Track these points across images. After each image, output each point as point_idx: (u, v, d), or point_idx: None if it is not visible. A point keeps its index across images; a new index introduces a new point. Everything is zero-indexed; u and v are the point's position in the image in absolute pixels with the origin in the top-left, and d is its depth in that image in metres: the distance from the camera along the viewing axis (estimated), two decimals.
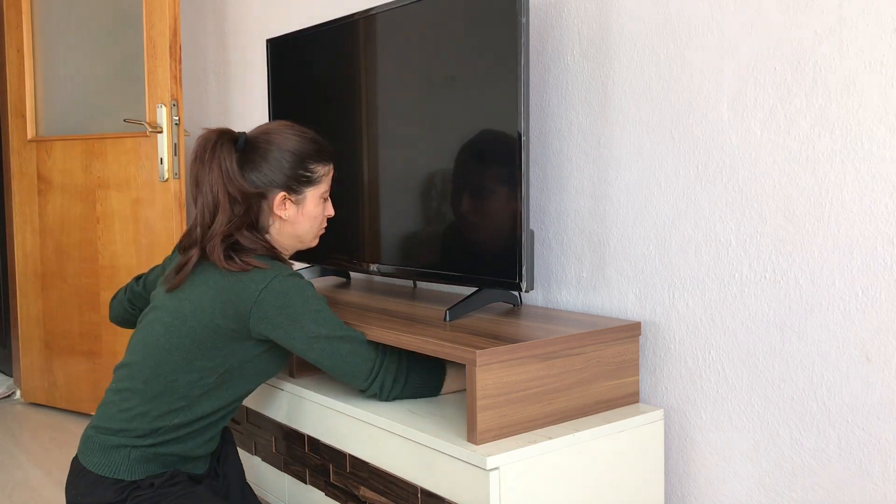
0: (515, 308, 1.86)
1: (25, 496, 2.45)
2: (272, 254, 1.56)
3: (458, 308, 1.71)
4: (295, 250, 1.66)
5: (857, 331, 1.41)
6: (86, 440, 1.52)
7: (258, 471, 2.01)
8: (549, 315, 1.77)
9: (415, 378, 1.64)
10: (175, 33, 2.80)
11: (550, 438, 1.46)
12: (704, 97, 1.60)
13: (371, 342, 1.59)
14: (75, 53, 3.18)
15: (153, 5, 2.82)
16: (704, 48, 1.59)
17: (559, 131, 1.87)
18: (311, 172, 1.59)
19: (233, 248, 1.51)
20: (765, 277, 1.53)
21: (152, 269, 1.78)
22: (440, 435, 1.47)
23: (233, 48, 3.13)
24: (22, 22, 3.27)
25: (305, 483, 1.83)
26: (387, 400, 1.63)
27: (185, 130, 3.25)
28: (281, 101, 2.36)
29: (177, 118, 2.82)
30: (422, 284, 2.24)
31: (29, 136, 3.29)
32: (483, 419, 1.43)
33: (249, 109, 3.05)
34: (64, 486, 2.55)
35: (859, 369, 1.41)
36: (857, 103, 1.38)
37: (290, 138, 1.57)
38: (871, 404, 1.40)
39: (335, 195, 2.17)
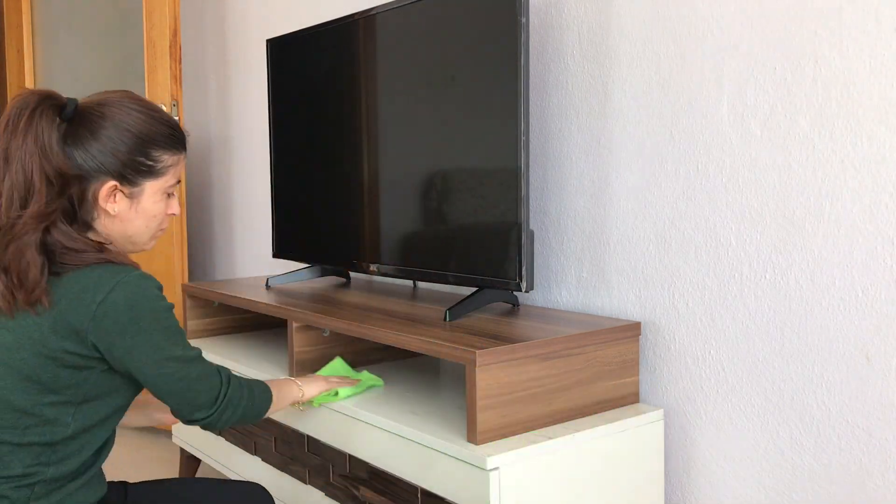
0: (515, 308, 1.86)
1: None
2: (101, 254, 1.23)
3: (458, 308, 1.71)
4: (126, 253, 1.34)
5: (857, 331, 1.41)
6: None
7: (258, 471, 2.01)
8: (549, 315, 1.77)
9: (249, 406, 1.38)
10: (175, 33, 2.80)
11: (550, 438, 1.46)
12: (704, 97, 1.60)
13: (214, 365, 1.33)
14: (75, 53, 3.18)
15: (153, 5, 2.82)
16: (704, 48, 1.59)
17: (559, 131, 1.87)
18: (154, 161, 1.28)
19: (45, 244, 1.20)
20: (765, 277, 1.53)
21: None
22: (440, 435, 1.47)
23: (233, 48, 3.13)
24: (22, 22, 3.27)
25: (305, 483, 1.82)
26: (217, 428, 1.34)
27: (185, 130, 3.26)
28: (281, 101, 2.36)
29: (177, 118, 2.82)
30: (422, 284, 2.24)
31: None
32: (483, 419, 1.43)
33: (249, 109, 3.05)
34: None
35: (859, 369, 1.41)
36: (857, 103, 1.38)
37: (131, 114, 1.26)
38: (871, 404, 1.40)
39: (336, 196, 2.18)
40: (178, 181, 1.33)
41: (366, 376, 1.78)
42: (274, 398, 1.45)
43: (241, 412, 1.35)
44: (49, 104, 1.21)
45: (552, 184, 1.90)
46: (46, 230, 1.19)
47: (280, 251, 2.42)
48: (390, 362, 2.03)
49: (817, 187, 1.44)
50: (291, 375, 1.88)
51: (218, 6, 3.21)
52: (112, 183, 1.24)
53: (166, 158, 1.29)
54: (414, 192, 1.89)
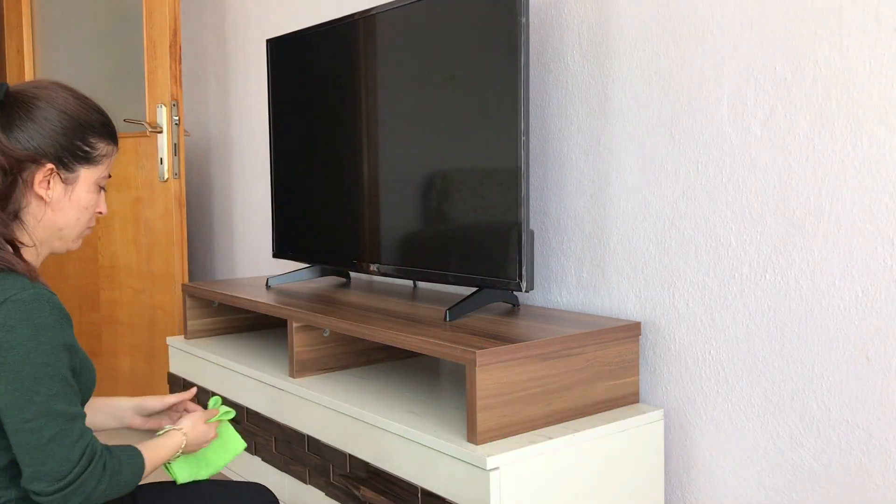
0: (515, 308, 1.86)
1: None
2: (8, 257, 1.14)
3: (458, 308, 1.71)
4: (49, 251, 1.26)
5: (857, 331, 1.41)
6: None
7: (258, 471, 2.01)
8: (549, 315, 1.77)
9: (107, 491, 1.16)
10: (175, 33, 2.80)
11: (550, 438, 1.46)
12: (704, 97, 1.60)
13: (84, 435, 1.13)
14: (75, 53, 3.18)
15: (153, 5, 2.82)
16: (704, 48, 1.59)
17: (559, 131, 1.87)
18: (91, 148, 1.24)
19: None
20: (765, 277, 1.53)
21: None
22: (440, 435, 1.47)
23: (233, 48, 3.13)
24: (22, 22, 3.27)
25: (305, 483, 1.83)
26: None
27: (185, 130, 3.26)
28: (281, 101, 2.36)
29: (177, 118, 2.82)
30: (422, 284, 2.24)
31: None
32: (483, 419, 1.43)
33: (249, 109, 3.05)
34: None
35: (859, 369, 1.41)
36: (857, 103, 1.38)
37: (67, 98, 1.23)
38: (871, 404, 1.40)
39: (336, 196, 2.18)
40: (109, 175, 1.30)
41: (230, 436, 1.52)
42: (147, 467, 1.25)
43: (94, 499, 1.14)
44: None
45: (552, 184, 1.90)
46: None
47: (280, 251, 2.42)
48: (390, 362, 2.03)
49: (817, 187, 1.44)
50: (292, 376, 1.89)
51: (218, 6, 3.21)
52: (49, 166, 1.19)
53: (102, 147, 1.26)
54: (414, 192, 1.89)
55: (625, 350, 1.66)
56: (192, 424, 1.40)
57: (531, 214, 1.94)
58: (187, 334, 2.38)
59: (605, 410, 1.63)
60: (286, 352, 2.18)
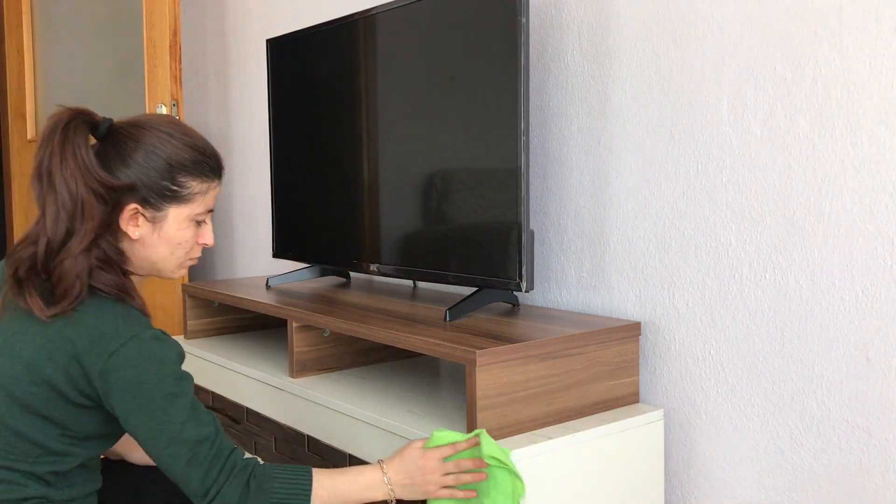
0: (515, 308, 1.86)
1: None
2: (123, 288, 1.21)
3: (458, 308, 1.71)
4: (149, 277, 1.34)
5: (857, 331, 1.41)
6: None
7: None
8: (549, 315, 1.77)
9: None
10: (175, 33, 2.80)
11: (550, 438, 1.46)
12: (704, 97, 1.60)
13: (220, 452, 1.21)
14: (75, 53, 3.18)
15: (153, 5, 2.82)
16: (704, 48, 1.59)
17: (559, 131, 1.87)
18: (180, 187, 1.25)
19: (102, 269, 1.20)
20: (765, 277, 1.53)
21: None
22: None
23: (233, 48, 3.13)
24: (22, 22, 3.28)
25: None
26: None
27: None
28: (281, 101, 2.36)
29: (177, 117, 2.82)
30: (422, 284, 2.24)
31: (29, 137, 3.29)
32: (483, 419, 1.43)
33: (249, 109, 3.05)
34: None
35: (859, 369, 1.41)
36: (857, 103, 1.38)
37: (161, 137, 1.24)
38: (871, 404, 1.40)
39: (336, 196, 2.18)
40: (210, 210, 1.31)
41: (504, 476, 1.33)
42: (317, 491, 1.23)
43: None
44: (81, 120, 1.20)
45: (552, 184, 1.90)
46: (95, 244, 1.19)
47: (280, 251, 2.42)
48: (390, 362, 2.03)
49: (817, 187, 1.44)
50: (292, 376, 1.88)
51: (218, 6, 3.21)
52: (133, 206, 1.23)
53: (194, 185, 1.27)
54: (414, 192, 1.89)
55: (625, 350, 1.66)
56: (401, 460, 1.31)
57: (531, 214, 1.94)
58: (187, 334, 2.38)
59: (604, 410, 1.63)
60: (286, 352, 2.18)
